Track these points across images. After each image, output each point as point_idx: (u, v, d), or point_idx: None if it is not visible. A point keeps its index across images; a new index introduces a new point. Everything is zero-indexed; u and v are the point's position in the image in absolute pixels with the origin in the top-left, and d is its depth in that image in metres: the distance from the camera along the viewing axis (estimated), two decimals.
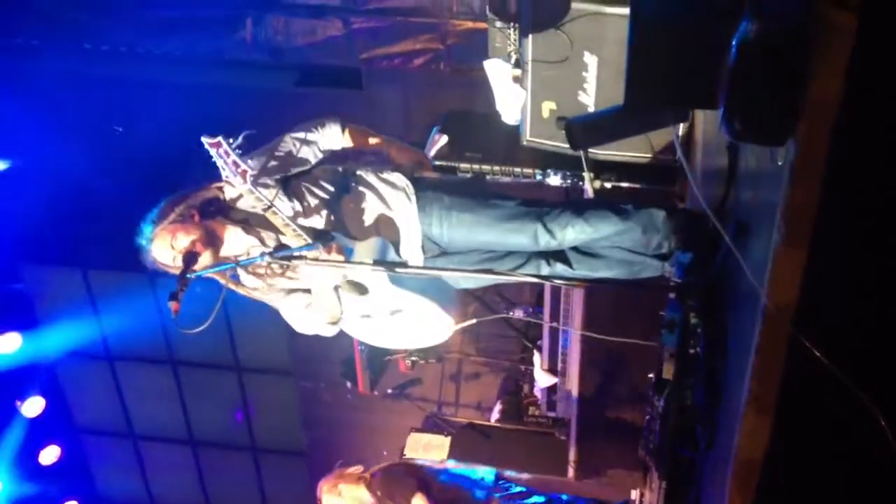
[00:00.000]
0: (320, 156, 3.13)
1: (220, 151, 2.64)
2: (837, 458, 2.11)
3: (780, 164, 1.70)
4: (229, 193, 2.96)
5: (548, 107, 3.49)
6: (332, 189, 3.06)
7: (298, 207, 2.97)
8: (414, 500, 4.29)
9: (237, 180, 2.70)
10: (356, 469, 4.45)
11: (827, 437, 2.09)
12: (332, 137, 3.16)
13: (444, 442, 4.97)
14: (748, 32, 1.49)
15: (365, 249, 2.89)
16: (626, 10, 2.27)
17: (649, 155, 3.38)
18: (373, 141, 3.28)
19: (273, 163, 3.00)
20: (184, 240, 2.83)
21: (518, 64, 3.50)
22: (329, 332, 3.16)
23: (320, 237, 2.84)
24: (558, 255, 3.17)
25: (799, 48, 1.44)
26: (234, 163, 2.66)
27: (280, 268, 2.90)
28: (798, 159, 1.63)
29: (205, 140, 2.63)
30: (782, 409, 2.01)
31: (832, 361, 1.80)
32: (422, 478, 4.17)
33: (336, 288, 2.96)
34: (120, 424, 7.39)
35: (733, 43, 1.52)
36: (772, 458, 2.10)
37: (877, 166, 1.74)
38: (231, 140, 2.66)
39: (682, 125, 3.10)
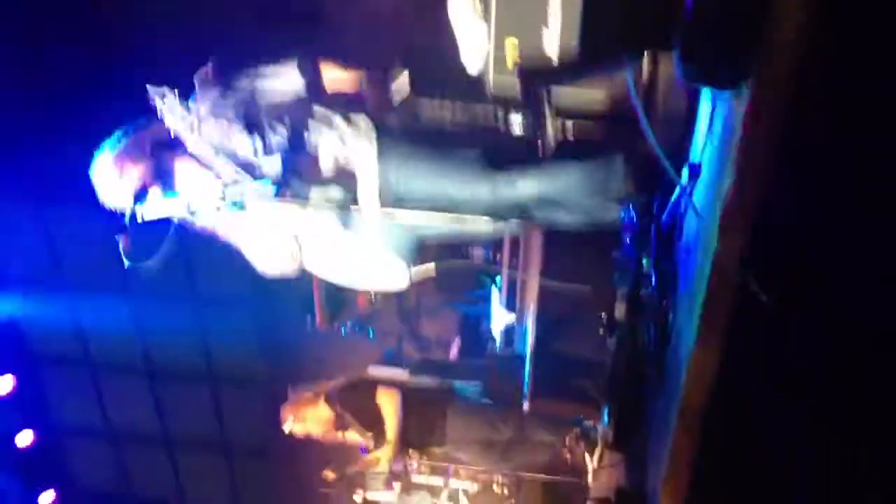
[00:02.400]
0: (286, 91, 3.05)
1: (166, 101, 2.55)
2: (784, 401, 2.16)
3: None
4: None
5: (511, 42, 3.43)
6: (294, 127, 2.99)
7: (258, 144, 2.91)
8: (381, 397, 4.37)
9: (184, 132, 2.62)
10: (312, 389, 4.53)
11: (774, 381, 2.13)
12: (301, 72, 3.07)
13: (402, 376, 5.01)
14: None
15: (321, 194, 2.87)
16: None
17: (611, 99, 3.36)
18: (344, 77, 3.20)
19: (230, 99, 2.92)
20: (134, 172, 2.76)
21: None
22: (290, 269, 3.13)
23: (276, 179, 2.80)
24: (518, 204, 3.16)
25: None
26: (182, 115, 2.57)
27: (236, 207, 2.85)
28: (752, 103, 1.62)
29: (150, 89, 2.53)
30: (729, 353, 2.05)
31: (780, 307, 1.82)
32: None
33: (294, 229, 2.94)
34: (77, 353, 7.33)
35: None
36: (718, 400, 2.15)
37: (833, 116, 1.74)
38: (176, 90, 2.57)
39: (645, 68, 3.07)
